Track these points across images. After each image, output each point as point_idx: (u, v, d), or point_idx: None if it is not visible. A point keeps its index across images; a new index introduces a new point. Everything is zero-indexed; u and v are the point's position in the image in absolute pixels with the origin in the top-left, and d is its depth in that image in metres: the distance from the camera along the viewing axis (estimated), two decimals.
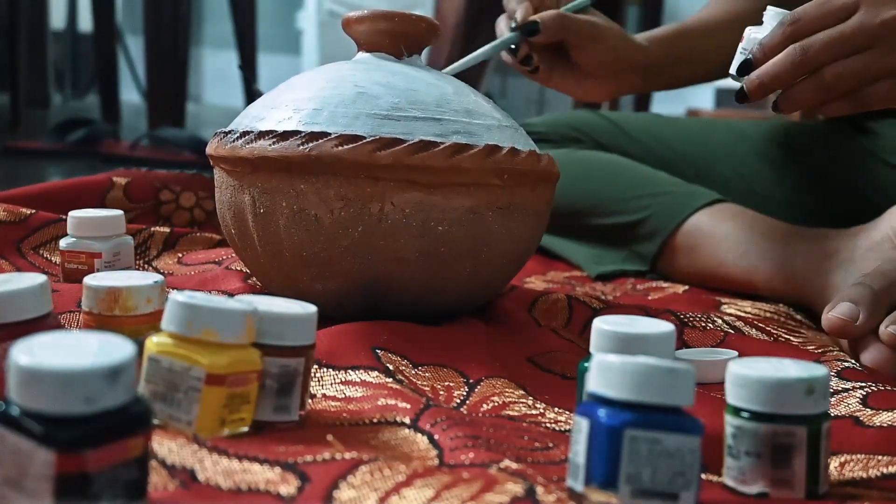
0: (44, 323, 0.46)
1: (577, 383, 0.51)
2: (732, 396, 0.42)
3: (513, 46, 0.82)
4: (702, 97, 3.92)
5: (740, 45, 0.67)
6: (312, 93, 0.62)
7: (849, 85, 0.63)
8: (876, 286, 0.64)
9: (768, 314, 0.79)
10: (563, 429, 0.50)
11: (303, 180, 0.59)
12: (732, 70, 0.67)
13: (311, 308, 0.46)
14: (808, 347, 0.68)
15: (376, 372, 0.53)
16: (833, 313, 0.63)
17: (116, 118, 2.54)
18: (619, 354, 0.39)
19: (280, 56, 3.93)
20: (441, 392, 0.53)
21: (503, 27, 0.84)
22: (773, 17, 0.66)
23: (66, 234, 0.72)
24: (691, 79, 0.95)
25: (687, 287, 0.89)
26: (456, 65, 0.77)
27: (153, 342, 0.42)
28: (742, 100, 0.67)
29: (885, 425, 0.51)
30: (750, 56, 0.66)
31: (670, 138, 1.05)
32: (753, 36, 0.66)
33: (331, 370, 0.53)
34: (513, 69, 0.88)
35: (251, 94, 2.28)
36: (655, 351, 0.46)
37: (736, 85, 0.68)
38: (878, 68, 0.62)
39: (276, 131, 0.60)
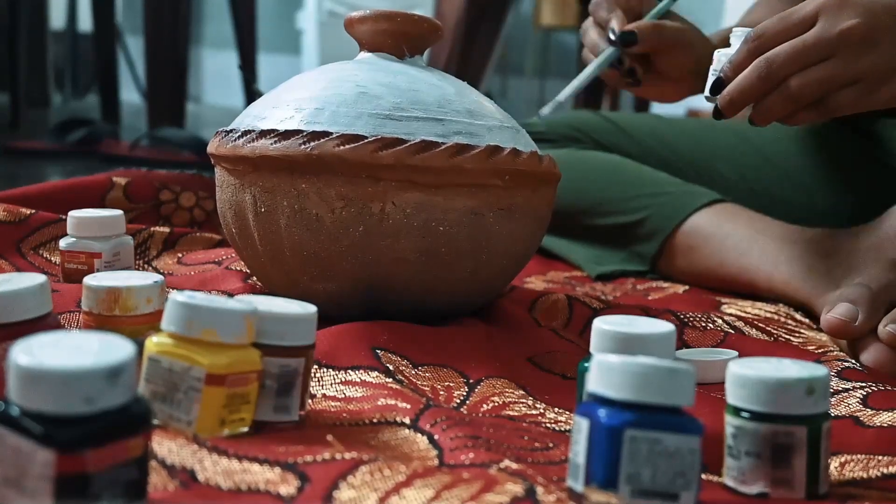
0: (44, 323, 0.46)
1: (577, 383, 0.51)
2: (732, 396, 0.42)
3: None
4: (702, 98, 3.92)
5: (711, 67, 0.69)
6: (314, 92, 0.62)
7: (814, 94, 0.64)
8: (874, 286, 0.64)
9: (768, 314, 0.79)
10: (563, 429, 0.50)
11: (304, 180, 0.59)
12: (706, 92, 0.69)
13: (311, 308, 0.46)
14: (808, 347, 0.68)
15: (376, 372, 0.53)
16: (832, 314, 0.63)
17: (116, 118, 2.54)
18: (619, 354, 0.39)
19: (280, 56, 3.92)
20: (441, 392, 0.53)
21: (594, 36, 0.83)
22: (739, 35, 0.68)
23: (66, 234, 0.72)
24: None
25: (687, 287, 0.89)
26: (567, 90, 0.77)
27: (153, 342, 0.42)
28: (718, 117, 0.68)
29: (885, 425, 0.51)
30: (721, 75, 0.68)
31: (670, 138, 1.05)
32: (723, 57, 0.68)
33: (331, 370, 0.53)
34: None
35: (251, 94, 2.28)
36: (655, 351, 0.46)
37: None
38: (841, 76, 0.64)
39: (277, 130, 0.60)
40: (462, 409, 0.51)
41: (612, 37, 0.80)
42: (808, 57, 0.63)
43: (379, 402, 0.49)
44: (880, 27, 0.63)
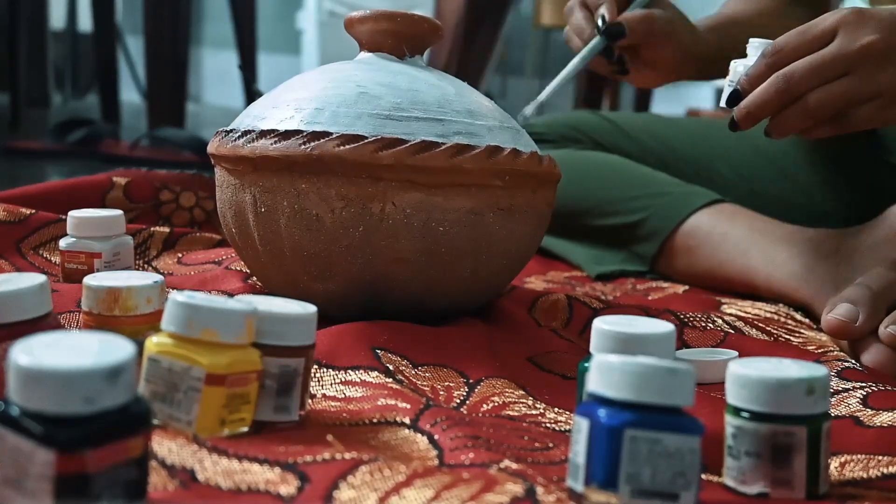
0: (44, 323, 0.46)
1: (577, 383, 0.51)
2: (732, 396, 0.42)
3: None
4: (702, 97, 3.92)
5: (727, 78, 0.69)
6: (314, 92, 0.62)
7: (832, 109, 0.64)
8: (875, 287, 0.64)
9: (768, 314, 0.79)
10: (563, 429, 0.50)
11: (304, 180, 0.59)
12: (722, 102, 0.69)
13: (311, 308, 0.46)
14: (808, 347, 0.68)
15: (376, 372, 0.53)
16: (832, 314, 0.63)
17: (116, 118, 2.54)
18: (619, 354, 0.39)
19: (280, 56, 3.93)
20: (441, 392, 0.53)
21: (580, 19, 0.82)
22: (756, 47, 0.68)
23: (66, 234, 0.72)
24: None
25: (687, 287, 0.89)
26: (548, 89, 0.76)
27: (153, 342, 0.42)
28: (734, 128, 0.68)
29: (885, 425, 0.51)
30: (737, 87, 0.67)
31: (670, 138, 1.05)
32: (739, 68, 0.68)
33: (331, 370, 0.53)
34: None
35: (251, 94, 2.28)
36: (655, 351, 0.46)
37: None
38: (860, 92, 0.63)
39: (277, 130, 0.60)
40: (462, 409, 0.51)
41: (601, 27, 0.80)
42: (827, 72, 0.63)
43: (379, 402, 0.49)
44: None
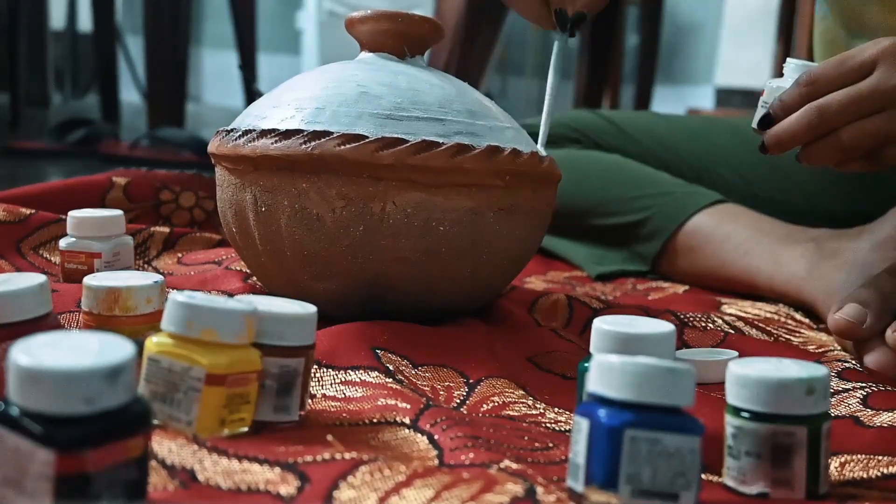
0: (44, 323, 0.46)
1: (577, 383, 0.51)
2: (732, 396, 0.42)
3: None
4: (702, 97, 3.92)
5: (761, 98, 0.66)
6: (315, 92, 0.62)
7: (866, 146, 0.62)
8: (884, 289, 0.63)
9: (769, 314, 0.79)
10: (563, 429, 0.50)
11: (305, 179, 0.59)
12: (754, 124, 0.66)
13: (311, 308, 0.46)
14: (809, 347, 0.68)
15: (376, 372, 0.53)
16: (840, 314, 0.62)
17: (116, 118, 2.54)
18: (619, 354, 0.39)
19: (280, 56, 3.93)
20: (441, 392, 0.53)
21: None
22: (793, 69, 0.65)
23: (66, 234, 0.72)
24: None
25: (687, 287, 0.89)
26: (545, 114, 0.70)
27: (153, 342, 0.42)
28: (764, 152, 0.66)
29: (885, 425, 0.51)
30: (770, 111, 0.65)
31: (670, 139, 1.04)
32: (775, 87, 0.65)
33: (331, 370, 0.53)
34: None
35: (251, 94, 2.28)
36: (655, 351, 0.46)
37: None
38: (895, 130, 0.61)
39: (278, 130, 0.60)
40: (462, 409, 0.51)
41: (563, 21, 0.70)
42: (863, 108, 0.61)
43: (379, 402, 0.49)
44: None
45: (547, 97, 0.70)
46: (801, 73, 0.63)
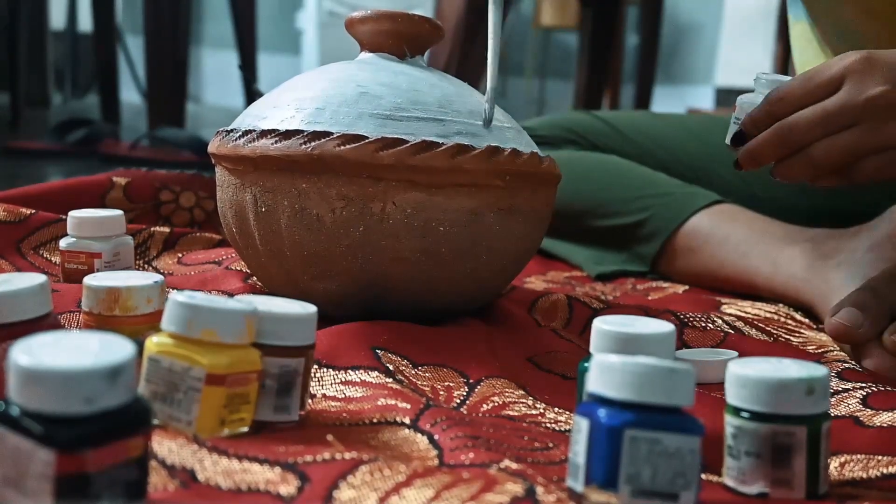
0: (44, 323, 0.46)
1: (577, 383, 0.51)
2: (732, 396, 0.42)
3: None
4: (702, 97, 3.92)
5: (734, 114, 0.66)
6: (315, 92, 0.62)
7: (837, 162, 0.62)
8: (880, 291, 0.63)
9: (768, 314, 0.79)
10: (563, 429, 0.50)
11: (305, 179, 0.59)
12: (727, 140, 0.66)
13: (311, 308, 0.47)
14: (808, 347, 0.68)
15: (376, 372, 0.53)
16: (836, 318, 0.62)
17: (116, 118, 2.54)
18: (619, 354, 0.39)
19: (280, 56, 3.93)
20: (441, 392, 0.53)
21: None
22: (763, 84, 0.65)
23: (66, 234, 0.72)
24: None
25: (687, 287, 0.89)
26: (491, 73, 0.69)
27: (153, 342, 0.42)
28: (739, 168, 0.66)
29: (885, 425, 0.51)
30: (741, 128, 0.65)
31: (669, 140, 1.04)
32: (746, 103, 0.65)
33: (331, 370, 0.53)
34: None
35: (251, 94, 2.28)
36: (655, 351, 0.46)
37: None
38: (865, 145, 0.60)
39: (278, 130, 0.60)
40: (462, 409, 0.51)
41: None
42: (831, 125, 0.60)
43: (379, 402, 0.49)
44: None
45: (490, 55, 0.68)
46: (771, 88, 0.63)
